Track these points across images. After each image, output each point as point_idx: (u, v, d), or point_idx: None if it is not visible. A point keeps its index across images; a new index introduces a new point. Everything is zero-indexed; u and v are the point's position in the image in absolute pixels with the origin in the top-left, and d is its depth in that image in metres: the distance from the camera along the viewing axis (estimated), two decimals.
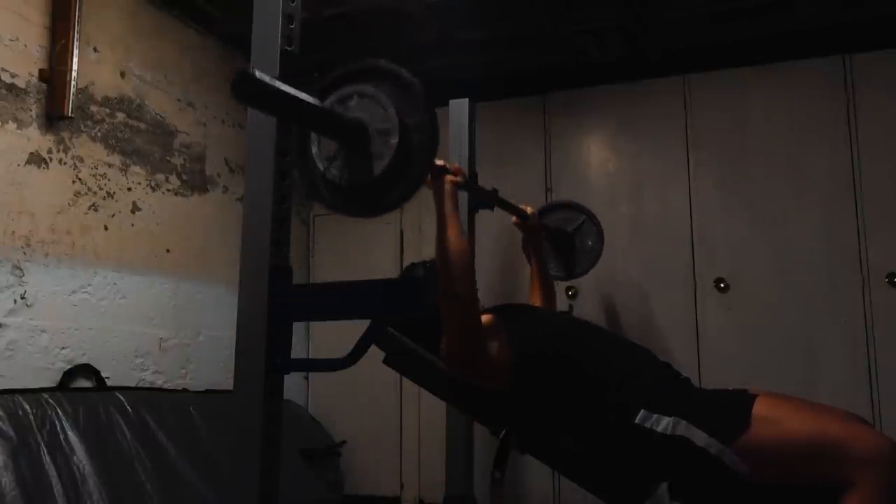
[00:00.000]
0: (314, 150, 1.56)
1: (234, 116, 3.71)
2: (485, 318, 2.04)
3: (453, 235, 1.85)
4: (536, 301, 2.70)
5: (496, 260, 3.65)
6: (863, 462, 1.48)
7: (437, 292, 1.82)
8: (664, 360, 1.99)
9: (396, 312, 1.65)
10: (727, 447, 1.62)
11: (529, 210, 2.82)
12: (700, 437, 1.65)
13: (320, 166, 1.54)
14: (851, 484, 1.48)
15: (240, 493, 1.57)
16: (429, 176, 1.80)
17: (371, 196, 1.52)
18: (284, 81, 1.44)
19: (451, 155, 3.19)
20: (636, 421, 1.74)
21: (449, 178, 1.89)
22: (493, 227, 3.45)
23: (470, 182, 3.19)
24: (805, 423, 1.60)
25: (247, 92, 1.31)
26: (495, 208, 3.20)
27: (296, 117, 1.54)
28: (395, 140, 1.46)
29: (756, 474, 1.60)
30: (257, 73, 1.31)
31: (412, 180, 1.49)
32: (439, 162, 1.91)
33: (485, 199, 2.97)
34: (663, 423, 1.71)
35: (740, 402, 1.68)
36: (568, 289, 3.55)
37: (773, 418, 1.62)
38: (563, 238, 3.12)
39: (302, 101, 1.46)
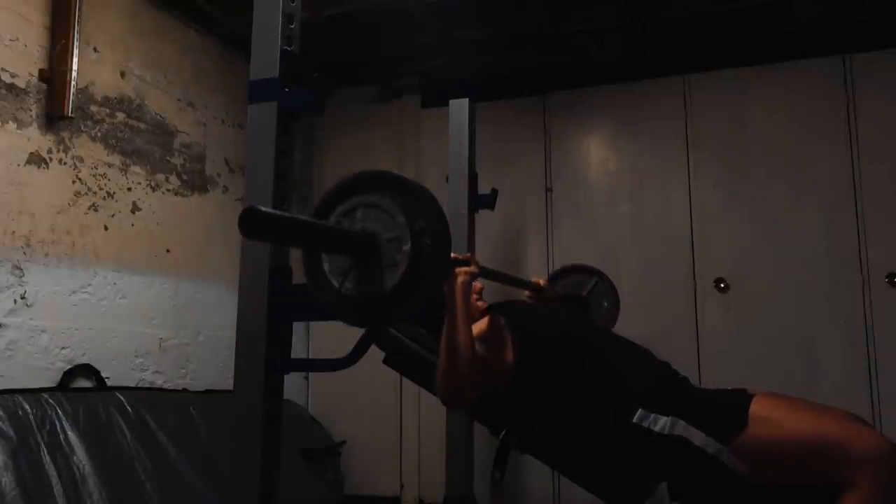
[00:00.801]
0: (326, 267, 1.52)
1: (234, 116, 3.71)
2: (486, 319, 2.04)
3: (463, 334, 1.83)
4: None
5: (496, 260, 3.64)
6: (862, 462, 1.48)
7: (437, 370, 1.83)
8: (663, 360, 1.99)
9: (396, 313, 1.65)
10: (725, 447, 1.61)
11: (542, 282, 2.78)
12: (698, 437, 1.65)
13: (335, 283, 1.51)
14: (850, 484, 1.48)
15: (240, 493, 1.58)
16: None
17: (391, 305, 1.48)
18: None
19: (452, 155, 3.20)
20: (634, 420, 1.74)
21: (462, 270, 1.89)
22: (493, 227, 3.45)
23: (473, 182, 3.19)
24: (804, 423, 1.59)
25: (254, 228, 1.29)
26: (496, 208, 3.21)
27: (307, 242, 1.52)
28: (407, 247, 1.44)
29: (754, 474, 1.60)
30: (262, 209, 1.29)
31: (430, 283, 1.47)
32: (452, 254, 1.90)
33: (486, 201, 2.97)
34: (661, 423, 1.70)
35: (738, 401, 1.68)
36: None
37: (771, 418, 1.61)
38: (578, 303, 3.08)
39: (309, 225, 1.45)
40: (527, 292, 2.77)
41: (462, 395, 1.85)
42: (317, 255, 1.53)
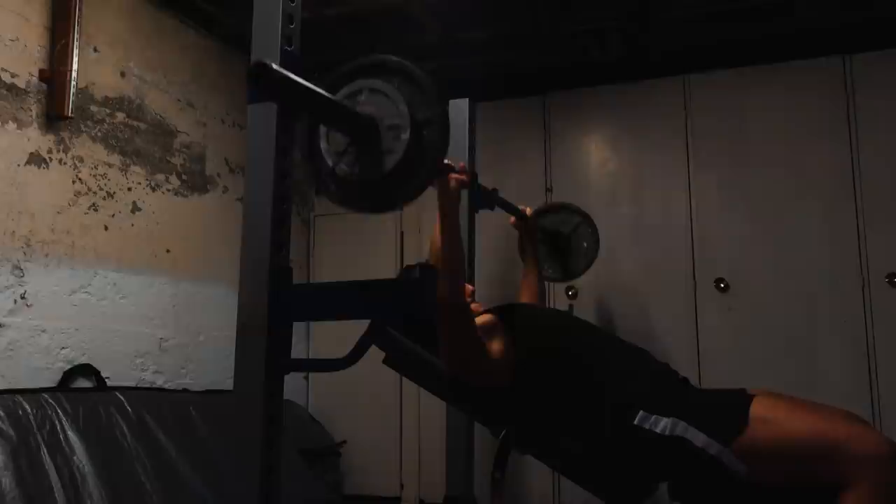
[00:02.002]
0: (323, 145, 1.54)
1: (234, 116, 3.71)
2: (486, 317, 2.04)
3: (454, 237, 1.84)
4: (527, 300, 2.70)
5: (496, 260, 3.65)
6: (862, 462, 1.48)
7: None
8: (663, 361, 1.99)
9: (396, 313, 1.65)
10: (726, 448, 1.62)
11: (528, 211, 2.82)
12: (698, 438, 1.65)
13: (329, 162, 1.53)
14: (850, 484, 1.48)
15: (240, 493, 1.57)
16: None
17: (381, 192, 1.50)
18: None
19: (452, 155, 3.19)
20: (635, 422, 1.74)
21: (454, 176, 1.89)
22: (493, 227, 3.45)
23: (473, 181, 3.20)
24: (804, 424, 1.59)
25: (262, 82, 1.31)
26: (496, 208, 3.20)
27: (308, 109, 1.53)
28: (406, 136, 1.44)
29: (755, 475, 1.60)
30: (273, 65, 1.30)
31: (422, 177, 1.48)
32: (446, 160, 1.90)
33: (486, 199, 2.98)
34: (662, 424, 1.71)
35: (738, 402, 1.68)
36: (568, 289, 3.55)
37: (771, 418, 1.62)
38: (559, 240, 3.12)
39: (315, 92, 1.45)
40: (511, 219, 2.82)
41: (459, 295, 1.82)
42: (315, 134, 1.55)
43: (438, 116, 1.47)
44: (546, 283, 3.15)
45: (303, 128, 1.62)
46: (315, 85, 1.47)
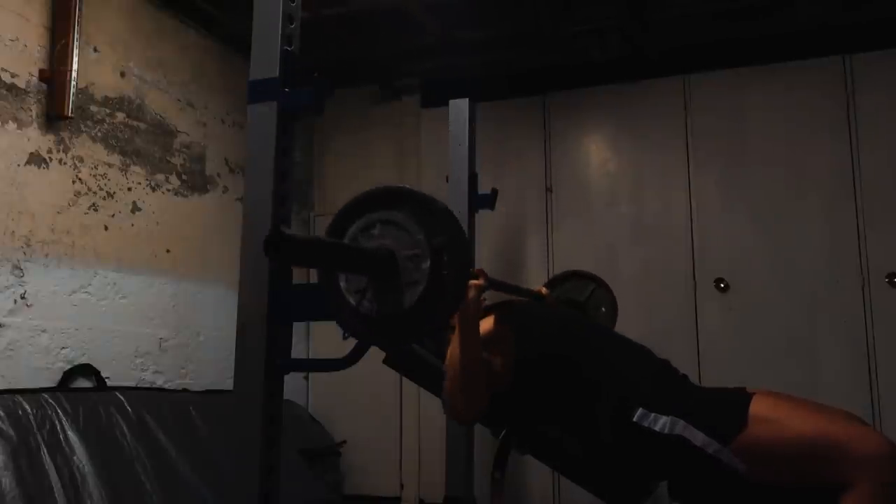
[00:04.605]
0: (342, 284, 1.49)
1: (234, 116, 3.70)
2: (489, 325, 2.03)
3: (475, 349, 1.84)
4: None
5: (496, 260, 3.65)
6: (861, 463, 1.48)
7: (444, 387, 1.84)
8: (662, 358, 1.99)
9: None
10: (725, 447, 1.61)
11: (544, 291, 2.78)
12: (698, 437, 1.65)
13: (352, 301, 1.47)
14: (850, 484, 1.48)
15: (240, 493, 1.57)
16: None
17: (410, 324, 1.46)
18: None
19: (452, 155, 3.19)
20: (634, 419, 1.74)
21: (473, 284, 1.89)
22: (493, 227, 3.45)
23: (473, 181, 3.19)
24: (804, 423, 1.59)
25: (278, 252, 1.26)
26: (496, 208, 3.20)
27: (328, 264, 1.49)
28: (426, 265, 1.41)
29: (754, 474, 1.60)
30: (284, 231, 1.27)
31: (449, 301, 1.45)
32: None
33: (487, 201, 2.97)
34: (661, 422, 1.70)
35: (738, 401, 1.68)
36: None
37: (770, 418, 1.61)
38: (575, 309, 3.08)
39: (331, 245, 1.43)
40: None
41: (473, 409, 1.87)
42: (333, 275, 1.50)
43: (455, 239, 1.43)
44: None
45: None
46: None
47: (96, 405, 2.70)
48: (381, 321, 1.46)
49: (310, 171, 4.25)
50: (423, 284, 1.41)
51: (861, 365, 3.12)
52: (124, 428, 2.73)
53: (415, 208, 1.46)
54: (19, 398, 2.47)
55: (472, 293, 1.85)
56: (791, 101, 3.39)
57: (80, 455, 2.51)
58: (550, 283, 3.03)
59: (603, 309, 3.02)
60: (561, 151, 3.76)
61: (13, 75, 2.64)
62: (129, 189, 3.10)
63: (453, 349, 1.84)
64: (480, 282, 1.90)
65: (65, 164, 2.82)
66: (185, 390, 3.26)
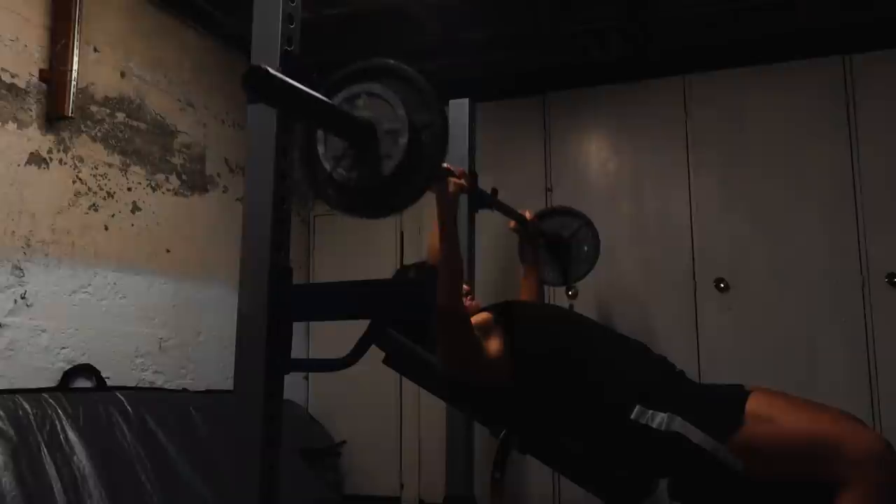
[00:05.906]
0: (321, 150, 1.54)
1: (234, 116, 3.71)
2: (482, 316, 2.04)
3: (451, 243, 1.85)
4: None
5: (496, 260, 3.65)
6: (856, 461, 1.48)
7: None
8: (659, 354, 1.99)
9: (396, 313, 1.65)
10: (722, 444, 1.62)
11: (529, 215, 2.82)
12: (695, 434, 1.65)
13: (327, 167, 1.52)
14: (845, 483, 1.49)
15: (240, 493, 1.57)
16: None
17: (379, 197, 1.49)
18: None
19: (452, 155, 3.19)
20: (632, 416, 1.74)
21: (453, 181, 1.89)
22: (492, 227, 3.45)
23: (473, 182, 3.19)
24: (799, 422, 1.60)
25: (257, 87, 1.30)
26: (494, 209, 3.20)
27: (305, 114, 1.52)
28: (404, 140, 1.44)
29: (750, 471, 1.60)
30: (269, 69, 1.29)
31: (421, 181, 1.47)
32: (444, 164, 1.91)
33: (485, 200, 2.98)
34: (658, 420, 1.71)
35: (735, 398, 1.68)
36: (568, 289, 3.55)
37: (767, 416, 1.62)
38: (560, 244, 3.11)
39: (312, 97, 1.44)
40: (511, 223, 2.82)
41: (461, 338, 1.84)
42: (312, 138, 1.54)
43: (437, 120, 1.46)
44: (546, 286, 3.15)
45: (300, 131, 1.62)
46: (312, 89, 1.46)
47: (96, 405, 2.70)
48: (352, 190, 1.50)
49: None
50: (398, 159, 1.44)
51: (861, 365, 3.12)
52: (124, 428, 2.73)
53: (403, 85, 1.49)
54: (19, 398, 2.47)
55: (451, 189, 1.86)
56: (791, 101, 3.39)
57: (80, 455, 2.51)
58: (540, 215, 3.07)
59: (585, 248, 3.07)
60: (561, 151, 3.76)
61: (13, 75, 2.64)
62: (129, 189, 3.11)
63: (433, 242, 1.85)
64: (461, 181, 1.90)
65: (65, 164, 2.83)
66: (185, 390, 3.26)
